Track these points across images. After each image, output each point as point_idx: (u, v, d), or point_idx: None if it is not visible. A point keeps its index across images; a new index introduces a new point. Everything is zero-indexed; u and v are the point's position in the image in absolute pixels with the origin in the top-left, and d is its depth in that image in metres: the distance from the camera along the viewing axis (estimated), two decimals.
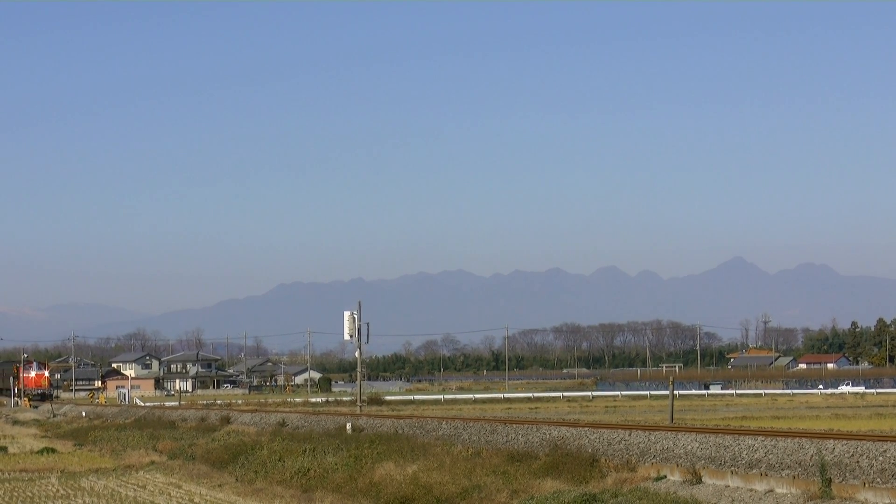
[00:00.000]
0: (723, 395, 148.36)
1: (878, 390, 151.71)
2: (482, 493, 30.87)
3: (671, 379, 69.09)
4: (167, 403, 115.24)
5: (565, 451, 33.50)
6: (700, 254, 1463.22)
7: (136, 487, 39.32)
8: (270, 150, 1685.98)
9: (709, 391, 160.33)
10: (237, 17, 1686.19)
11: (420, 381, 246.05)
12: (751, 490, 26.61)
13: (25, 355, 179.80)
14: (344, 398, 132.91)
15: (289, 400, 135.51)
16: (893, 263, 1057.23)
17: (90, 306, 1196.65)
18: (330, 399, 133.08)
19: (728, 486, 27.46)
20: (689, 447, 30.38)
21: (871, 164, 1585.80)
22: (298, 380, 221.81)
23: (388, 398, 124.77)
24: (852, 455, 25.36)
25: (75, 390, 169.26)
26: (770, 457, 27.33)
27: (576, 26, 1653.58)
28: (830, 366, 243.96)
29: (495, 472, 32.81)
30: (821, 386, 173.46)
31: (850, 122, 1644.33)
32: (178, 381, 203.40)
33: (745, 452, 28.25)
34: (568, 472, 31.55)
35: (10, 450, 57.38)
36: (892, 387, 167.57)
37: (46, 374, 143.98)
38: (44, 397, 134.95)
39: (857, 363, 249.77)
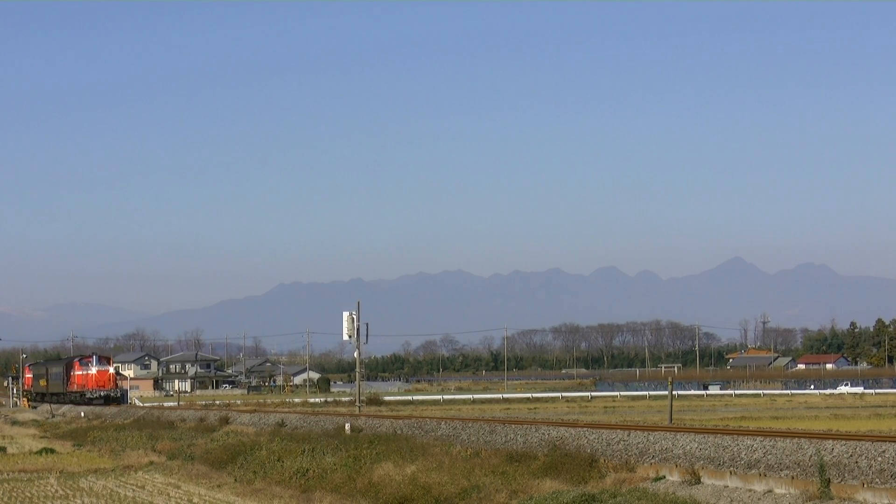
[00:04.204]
0: (722, 395, 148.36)
1: (877, 390, 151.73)
2: (481, 493, 30.86)
3: (670, 379, 69.14)
4: (166, 404, 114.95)
5: (564, 452, 33.49)
6: (699, 254, 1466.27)
7: (134, 488, 39.30)
8: (270, 150, 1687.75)
9: (708, 391, 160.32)
10: (236, 17, 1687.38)
11: (419, 381, 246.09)
12: (750, 490, 26.61)
13: (25, 356, 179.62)
14: (343, 398, 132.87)
15: (288, 400, 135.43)
16: (893, 264, 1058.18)
17: (89, 306, 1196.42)
18: (329, 399, 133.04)
19: (727, 487, 27.45)
20: (688, 447, 30.38)
21: (871, 164, 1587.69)
22: (297, 380, 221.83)
23: (386, 398, 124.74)
24: (851, 455, 25.36)
25: None
26: (769, 457, 27.32)
27: (576, 26, 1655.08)
28: (829, 366, 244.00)
29: (494, 473, 32.79)
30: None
31: (850, 122, 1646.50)
32: (176, 381, 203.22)
33: (743, 453, 28.25)
34: (567, 472, 31.54)
35: (9, 450, 57.31)
36: (891, 387, 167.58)
37: (111, 370, 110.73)
38: (108, 400, 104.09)
39: (856, 363, 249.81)
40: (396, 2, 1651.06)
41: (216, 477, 42.07)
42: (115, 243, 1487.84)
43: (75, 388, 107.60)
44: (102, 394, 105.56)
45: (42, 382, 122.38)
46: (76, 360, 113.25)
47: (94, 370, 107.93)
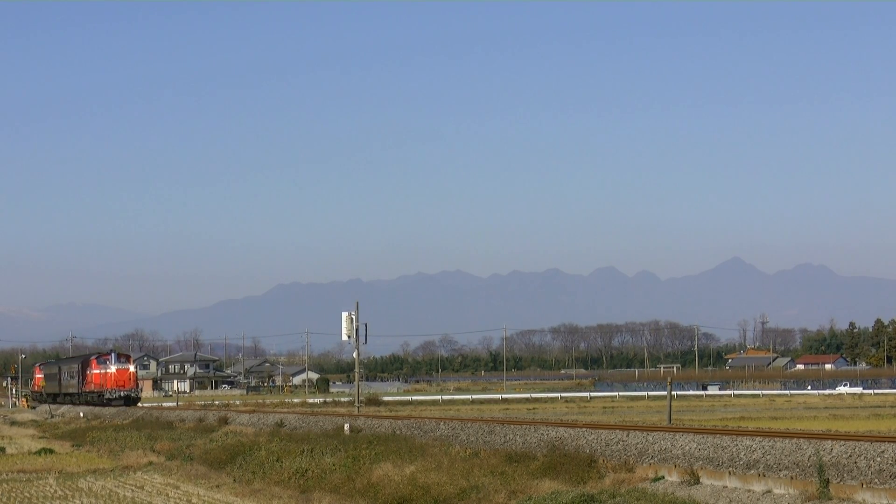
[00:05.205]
0: (721, 395, 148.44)
1: (876, 391, 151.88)
2: (480, 493, 30.84)
3: (669, 380, 69.09)
4: (165, 404, 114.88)
5: (563, 452, 33.47)
6: (698, 254, 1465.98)
7: (133, 488, 39.28)
8: (270, 150, 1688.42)
9: (707, 392, 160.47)
10: (237, 17, 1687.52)
11: (418, 381, 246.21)
12: (748, 491, 26.60)
13: (24, 356, 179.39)
14: (342, 399, 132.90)
15: (287, 400, 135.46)
16: (892, 264, 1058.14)
17: (88, 306, 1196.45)
18: (328, 400, 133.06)
19: (726, 487, 27.44)
20: (687, 448, 30.37)
21: (871, 164, 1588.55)
22: (296, 380, 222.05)
23: (385, 399, 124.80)
24: (850, 456, 25.36)
25: None
26: (768, 457, 27.32)
27: (576, 26, 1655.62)
28: (828, 366, 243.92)
29: (493, 473, 32.79)
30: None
31: (850, 122, 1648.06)
32: (175, 381, 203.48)
33: (742, 453, 28.25)
34: (566, 472, 31.53)
35: (8, 450, 57.28)
36: (890, 387, 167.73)
37: (132, 368, 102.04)
38: (128, 401, 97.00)
39: (855, 364, 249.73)
40: (396, 2, 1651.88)
41: (215, 477, 42.05)
42: (114, 243, 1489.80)
43: (92, 387, 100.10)
44: (122, 394, 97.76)
45: (54, 382, 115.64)
46: (93, 357, 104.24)
47: (112, 369, 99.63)
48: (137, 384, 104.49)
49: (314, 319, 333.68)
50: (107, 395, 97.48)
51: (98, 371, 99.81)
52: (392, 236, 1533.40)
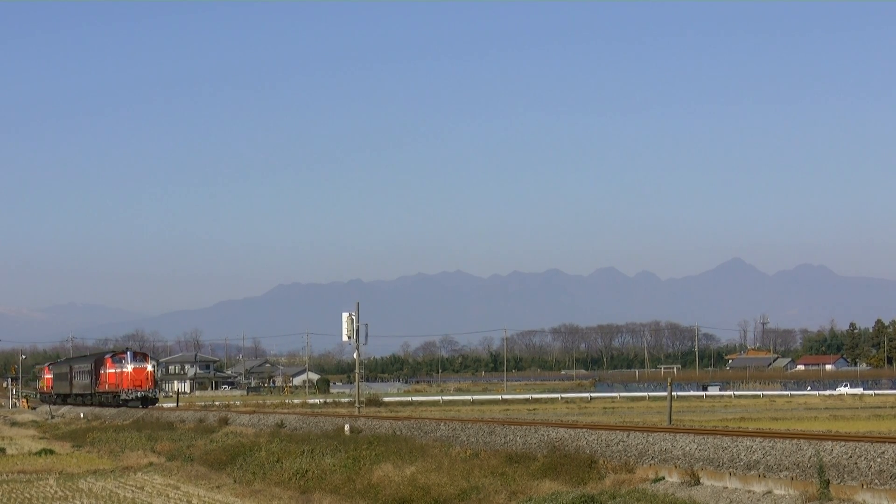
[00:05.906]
0: (721, 396, 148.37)
1: (876, 391, 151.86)
2: (480, 494, 30.85)
3: (669, 380, 69.06)
4: (165, 405, 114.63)
5: (563, 453, 33.48)
6: (698, 254, 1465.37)
7: (134, 489, 39.29)
8: (270, 150, 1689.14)
9: (707, 392, 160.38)
10: (237, 17, 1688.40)
11: (418, 382, 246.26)
12: (749, 491, 26.60)
13: (24, 357, 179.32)
14: (342, 399, 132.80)
15: (287, 401, 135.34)
16: (892, 264, 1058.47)
17: (88, 307, 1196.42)
18: (328, 400, 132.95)
19: (726, 488, 27.44)
20: (688, 448, 30.37)
21: (871, 164, 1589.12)
22: (297, 381, 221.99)
23: (386, 399, 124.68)
24: (850, 456, 25.36)
25: None
26: (768, 458, 27.32)
27: (576, 26, 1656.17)
28: (829, 367, 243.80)
29: (493, 474, 32.80)
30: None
31: (850, 122, 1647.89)
32: (176, 382, 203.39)
33: (743, 454, 28.25)
34: (566, 473, 31.53)
35: (8, 451, 57.30)
36: (890, 388, 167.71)
37: (149, 367, 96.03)
38: (145, 402, 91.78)
39: (856, 364, 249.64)
40: (396, 2, 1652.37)
41: (215, 478, 42.06)
42: (115, 244, 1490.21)
43: (107, 388, 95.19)
44: (139, 395, 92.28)
45: (65, 382, 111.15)
46: (108, 356, 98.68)
47: (129, 368, 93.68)
48: (156, 384, 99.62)
49: (314, 320, 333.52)
50: (122, 396, 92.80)
51: (113, 370, 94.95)
52: (392, 236, 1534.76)
